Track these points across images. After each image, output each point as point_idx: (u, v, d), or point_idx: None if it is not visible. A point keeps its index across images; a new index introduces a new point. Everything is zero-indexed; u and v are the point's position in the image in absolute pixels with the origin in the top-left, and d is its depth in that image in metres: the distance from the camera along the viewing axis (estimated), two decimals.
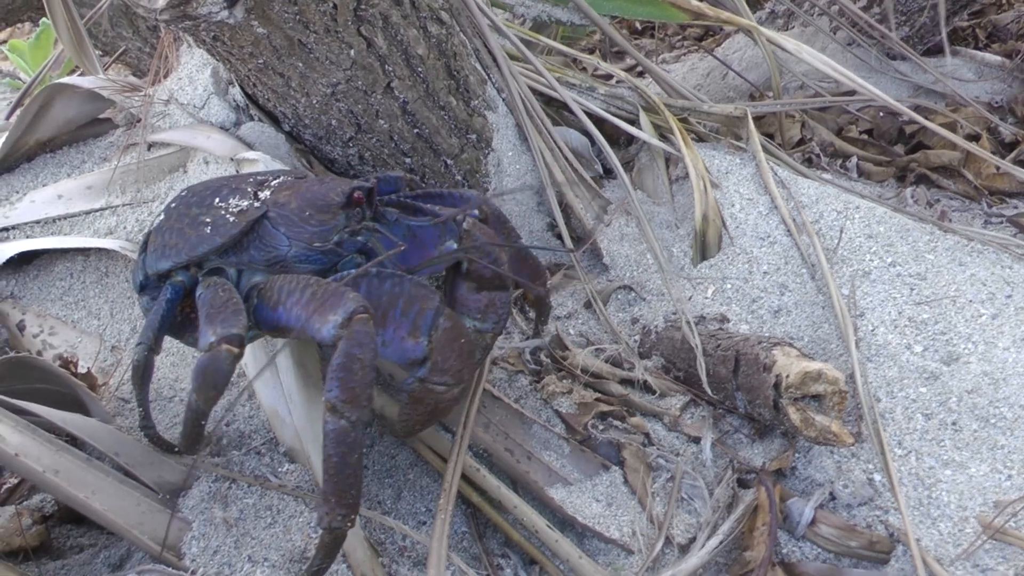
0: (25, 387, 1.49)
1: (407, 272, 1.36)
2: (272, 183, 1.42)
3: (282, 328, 1.25)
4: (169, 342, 1.74)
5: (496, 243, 1.47)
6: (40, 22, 3.36)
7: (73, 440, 1.40)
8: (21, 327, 1.88)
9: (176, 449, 1.42)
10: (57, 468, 1.29)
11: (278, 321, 1.24)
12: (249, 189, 1.39)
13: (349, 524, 1.17)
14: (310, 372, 1.52)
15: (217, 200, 1.38)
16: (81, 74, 2.26)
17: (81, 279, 1.93)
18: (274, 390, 1.52)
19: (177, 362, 1.73)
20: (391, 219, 1.45)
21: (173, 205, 1.43)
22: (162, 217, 1.42)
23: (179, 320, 1.38)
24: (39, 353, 1.82)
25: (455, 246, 1.44)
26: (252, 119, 1.91)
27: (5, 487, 1.55)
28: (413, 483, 1.57)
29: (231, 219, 1.34)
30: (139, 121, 2.03)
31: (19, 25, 3.83)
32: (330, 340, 1.14)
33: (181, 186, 1.90)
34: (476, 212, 1.47)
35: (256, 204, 1.37)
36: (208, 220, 1.35)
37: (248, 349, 1.61)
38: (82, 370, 1.68)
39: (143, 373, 1.32)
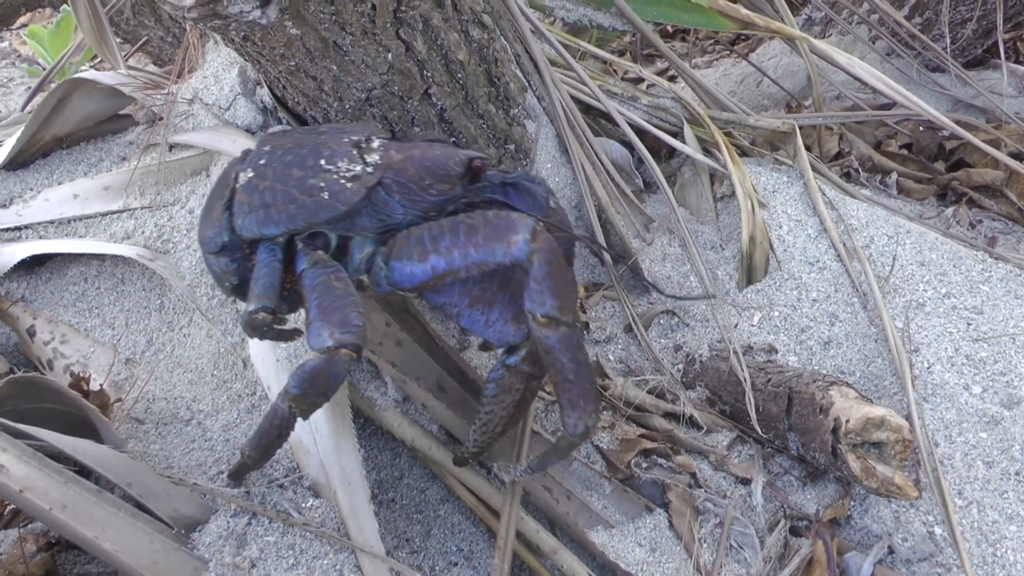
0: (33, 407, 1.40)
1: None
2: (373, 146, 1.34)
3: (440, 275, 1.22)
4: (185, 357, 1.66)
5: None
6: (61, 8, 3.28)
7: (81, 468, 1.31)
8: (31, 332, 1.79)
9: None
10: (65, 503, 1.19)
11: (435, 270, 1.22)
12: (353, 152, 1.32)
13: (600, 419, 1.28)
14: (337, 400, 1.43)
15: (323, 162, 1.29)
16: (101, 63, 2.17)
17: (96, 285, 1.83)
18: None
19: (195, 380, 1.63)
20: (492, 190, 1.42)
21: (263, 162, 1.33)
22: (252, 174, 1.32)
23: (249, 280, 1.31)
24: (49, 362, 1.74)
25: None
26: (280, 122, 1.82)
27: (9, 508, 1.46)
28: (444, 520, 1.48)
29: (348, 185, 1.27)
30: (161, 119, 1.94)
31: (41, 10, 3.75)
32: (524, 257, 1.15)
33: (203, 190, 1.81)
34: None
35: (369, 170, 1.30)
36: (322, 185, 1.27)
37: (274, 367, 1.53)
38: (95, 386, 1.59)
39: (265, 335, 1.27)
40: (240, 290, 1.39)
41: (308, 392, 1.14)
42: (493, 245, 1.17)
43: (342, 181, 1.28)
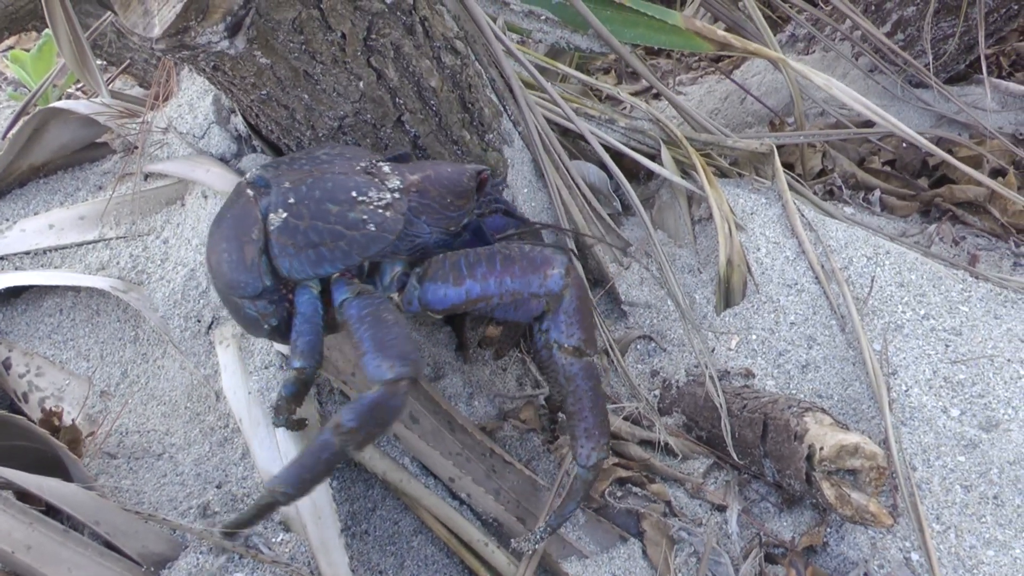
0: (4, 444, 1.39)
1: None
2: (385, 170, 1.38)
3: (474, 299, 1.29)
4: (159, 389, 1.65)
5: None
6: (43, 32, 3.26)
7: (49, 508, 1.30)
8: (7, 365, 1.78)
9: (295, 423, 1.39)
10: (30, 544, 1.18)
11: (470, 294, 1.29)
12: (373, 179, 1.35)
13: (609, 453, 1.34)
14: (308, 432, 1.42)
15: (354, 194, 1.31)
16: (82, 88, 2.16)
17: (71, 316, 1.82)
18: (270, 450, 1.42)
19: (168, 412, 1.62)
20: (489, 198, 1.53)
21: (292, 200, 1.31)
22: (286, 215, 1.30)
23: (287, 319, 1.34)
24: (24, 395, 1.72)
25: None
26: (255, 150, 1.81)
27: None
28: (417, 552, 1.47)
29: (387, 214, 1.31)
30: (136, 148, 1.93)
31: (27, 32, 3.73)
32: (559, 290, 1.26)
33: (178, 220, 1.80)
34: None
35: (396, 196, 1.34)
36: (364, 217, 1.30)
37: (246, 400, 1.52)
38: (67, 420, 1.58)
39: (291, 428, 1.38)
40: (279, 330, 1.37)
41: (366, 424, 1.13)
42: (529, 276, 1.26)
43: (380, 211, 1.31)
